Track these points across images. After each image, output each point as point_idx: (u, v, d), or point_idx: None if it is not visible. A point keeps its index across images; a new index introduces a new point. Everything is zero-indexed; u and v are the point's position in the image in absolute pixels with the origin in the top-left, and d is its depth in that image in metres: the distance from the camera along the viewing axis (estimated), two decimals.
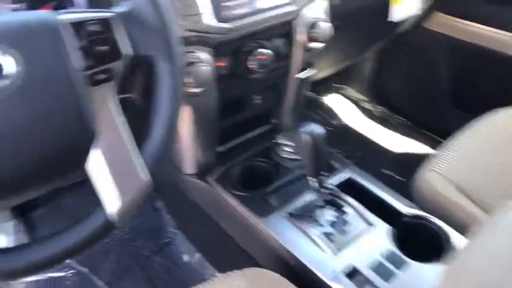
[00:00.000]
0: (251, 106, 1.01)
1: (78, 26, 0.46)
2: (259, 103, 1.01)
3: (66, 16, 0.46)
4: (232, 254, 1.01)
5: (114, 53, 0.48)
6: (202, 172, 0.98)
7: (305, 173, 0.86)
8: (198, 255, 1.18)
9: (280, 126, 1.08)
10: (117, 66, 0.49)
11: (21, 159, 0.44)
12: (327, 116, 1.74)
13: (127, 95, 0.62)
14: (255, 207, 0.88)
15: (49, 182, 0.49)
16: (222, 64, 0.83)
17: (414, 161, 0.99)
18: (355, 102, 1.81)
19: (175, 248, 1.20)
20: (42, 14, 0.46)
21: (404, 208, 0.89)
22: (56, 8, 0.77)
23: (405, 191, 0.95)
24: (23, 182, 0.46)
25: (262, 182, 0.95)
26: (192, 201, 1.05)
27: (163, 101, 0.52)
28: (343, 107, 1.79)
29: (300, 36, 0.92)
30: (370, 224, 0.85)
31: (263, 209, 0.88)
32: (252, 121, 1.04)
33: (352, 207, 0.88)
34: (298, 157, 0.97)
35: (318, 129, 0.78)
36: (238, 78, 0.87)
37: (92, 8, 0.78)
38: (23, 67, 0.42)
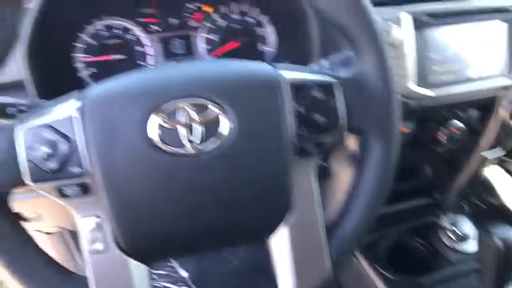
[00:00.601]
0: (418, 175, 0.88)
1: (299, 88, 0.40)
2: (429, 175, 0.88)
3: (288, 74, 0.41)
4: None
5: (332, 124, 0.41)
6: None
7: (472, 271, 0.71)
8: None
9: (443, 203, 0.93)
10: (331, 139, 0.42)
11: (207, 220, 0.39)
12: (482, 190, 1.50)
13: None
14: None
15: (224, 246, 0.45)
16: (405, 130, 0.73)
17: None
18: None
19: None
20: (262, 68, 0.41)
21: None
22: (246, 43, 0.74)
23: None
24: (201, 242, 0.42)
25: (415, 266, 0.81)
26: None
27: (368, 185, 0.43)
28: (504, 184, 1.53)
29: (503, 112, 0.77)
30: None
31: None
32: (412, 190, 0.91)
33: None
34: (465, 250, 0.82)
35: None
36: (418, 148, 0.76)
37: (283, 46, 0.74)
38: (236, 126, 0.37)
